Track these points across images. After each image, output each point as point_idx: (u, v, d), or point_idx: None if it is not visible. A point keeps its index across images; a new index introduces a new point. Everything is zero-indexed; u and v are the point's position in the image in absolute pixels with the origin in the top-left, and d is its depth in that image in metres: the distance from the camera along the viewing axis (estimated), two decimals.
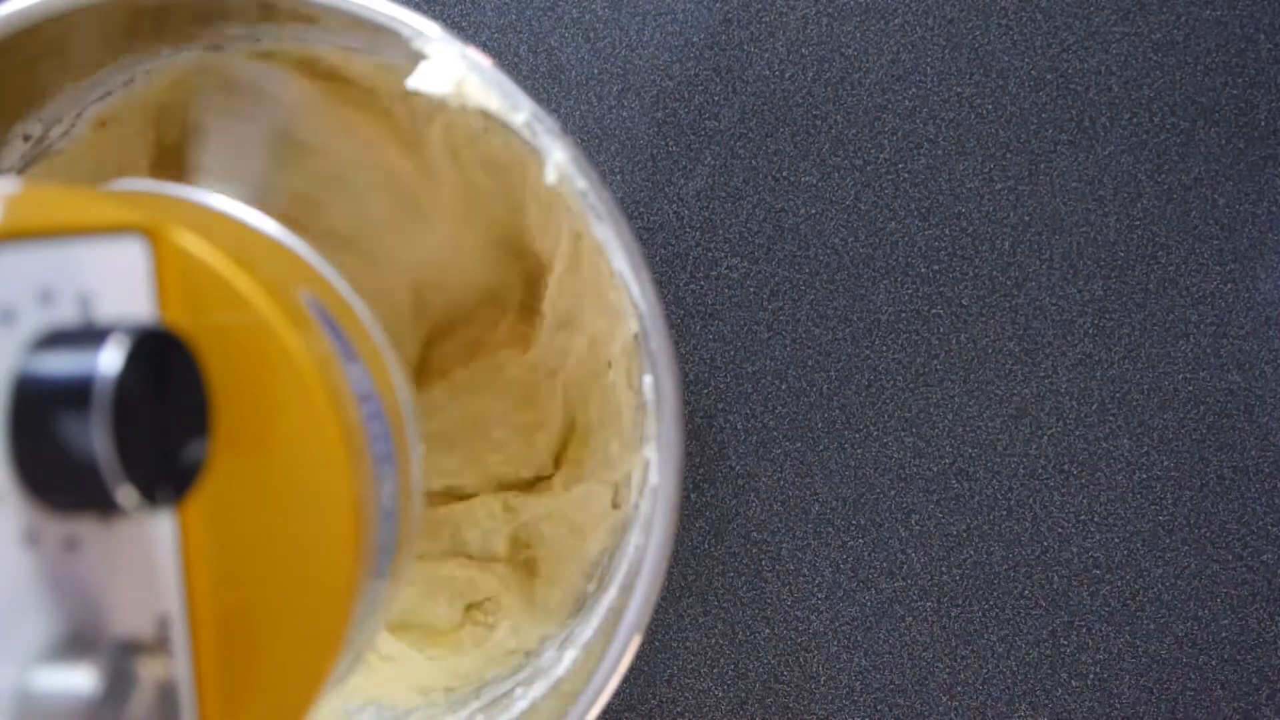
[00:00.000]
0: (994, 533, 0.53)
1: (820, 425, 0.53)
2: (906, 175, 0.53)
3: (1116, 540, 0.53)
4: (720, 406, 0.53)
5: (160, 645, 0.23)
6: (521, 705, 0.43)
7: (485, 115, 0.35)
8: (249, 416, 0.23)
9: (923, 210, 0.53)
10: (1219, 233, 0.53)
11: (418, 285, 0.47)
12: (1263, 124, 0.53)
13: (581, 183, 0.35)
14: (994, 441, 0.53)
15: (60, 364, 0.20)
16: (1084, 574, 0.53)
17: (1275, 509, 0.53)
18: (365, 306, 0.31)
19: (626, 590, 0.39)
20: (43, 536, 0.22)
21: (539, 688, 0.44)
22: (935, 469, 0.53)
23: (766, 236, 0.53)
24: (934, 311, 0.53)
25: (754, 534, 0.53)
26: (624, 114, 0.53)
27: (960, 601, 0.53)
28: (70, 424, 0.20)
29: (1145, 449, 0.53)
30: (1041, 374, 0.53)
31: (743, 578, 0.53)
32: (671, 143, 0.53)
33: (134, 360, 0.20)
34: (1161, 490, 0.53)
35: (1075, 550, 0.53)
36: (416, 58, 0.36)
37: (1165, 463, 0.53)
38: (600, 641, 0.39)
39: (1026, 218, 0.53)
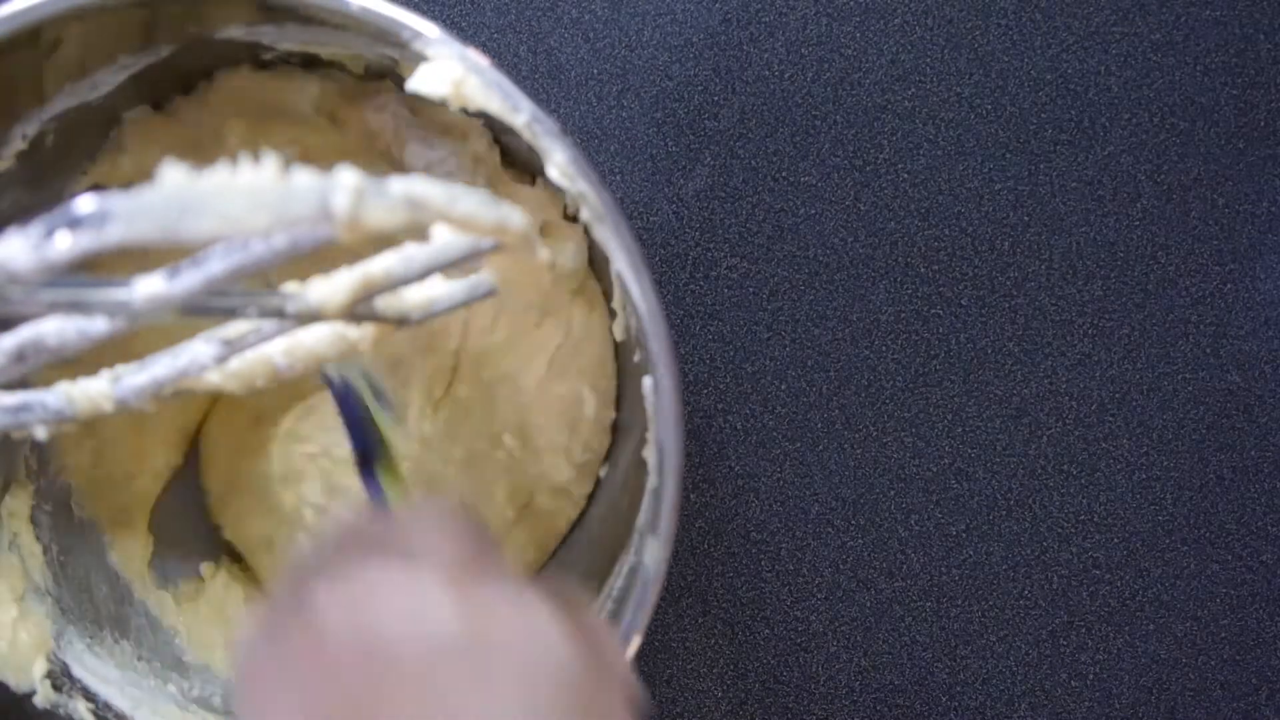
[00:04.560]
0: (994, 533, 0.53)
1: (820, 425, 0.53)
2: (906, 175, 0.53)
3: (1116, 540, 0.53)
4: (720, 406, 0.53)
5: None
6: None
7: None
8: None
9: (923, 210, 0.53)
10: (1219, 233, 0.53)
11: None
12: (1263, 124, 0.53)
13: (582, 184, 0.35)
14: (994, 441, 0.53)
15: None
16: (1084, 574, 0.53)
17: (1275, 509, 0.53)
18: None
19: (626, 591, 0.39)
20: None
21: None
22: (935, 469, 0.53)
23: (766, 236, 0.53)
24: (934, 311, 0.53)
25: (754, 534, 0.53)
26: (624, 114, 0.53)
27: (960, 601, 0.53)
28: None
29: (1145, 449, 0.53)
30: (1041, 374, 0.53)
31: (742, 578, 0.53)
32: (671, 143, 0.53)
33: None
34: (1161, 490, 0.53)
35: (1075, 550, 0.53)
36: (417, 59, 0.36)
37: (1165, 463, 0.53)
38: None
39: (1026, 218, 0.53)
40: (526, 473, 0.50)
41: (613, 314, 0.48)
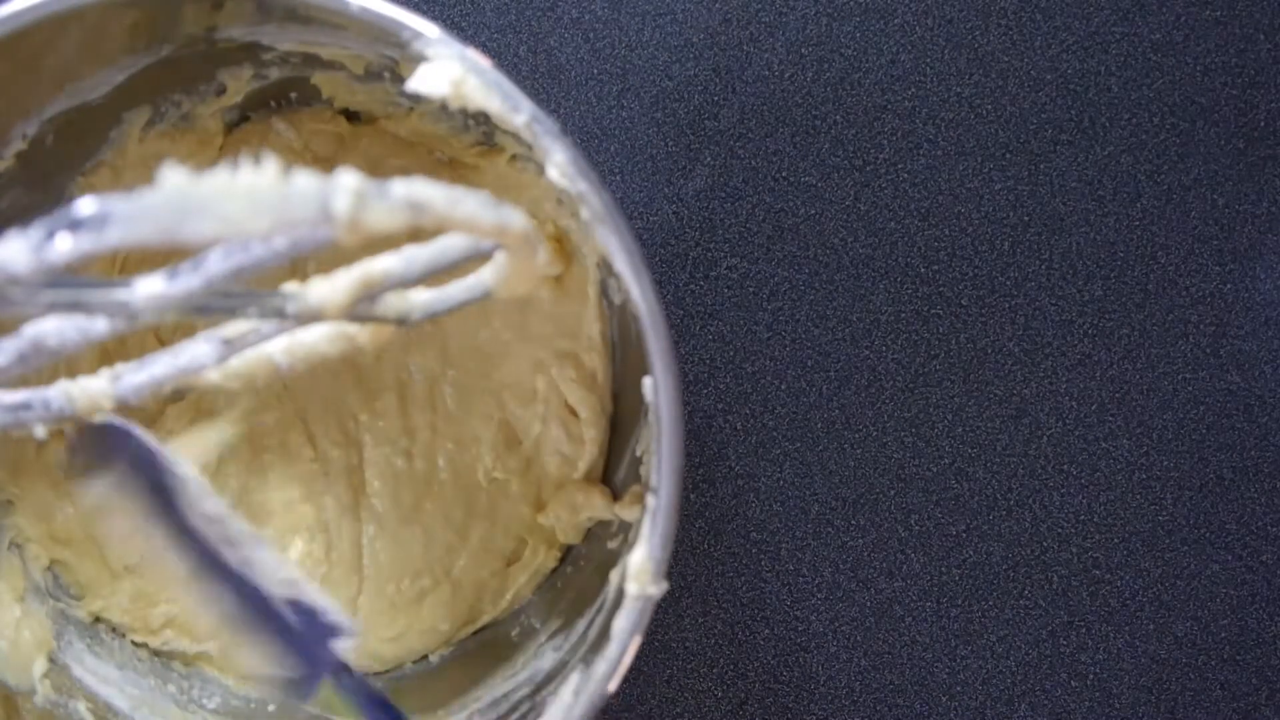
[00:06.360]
0: (994, 533, 0.53)
1: (820, 425, 0.53)
2: (906, 175, 0.53)
3: (1116, 540, 0.53)
4: (720, 406, 0.53)
5: None
6: (522, 707, 0.43)
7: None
8: None
9: (923, 210, 0.53)
10: (1219, 233, 0.53)
11: None
12: (1262, 124, 0.53)
13: (582, 184, 0.35)
14: (994, 441, 0.53)
15: None
16: (1084, 574, 0.53)
17: (1275, 509, 0.53)
18: None
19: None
20: None
21: (540, 689, 0.44)
22: (935, 469, 0.53)
23: (766, 236, 0.53)
24: (934, 311, 0.53)
25: (754, 534, 0.53)
26: (624, 114, 0.53)
27: (960, 601, 0.53)
28: None
29: (1145, 449, 0.53)
30: (1041, 374, 0.53)
31: (742, 578, 0.53)
32: (671, 143, 0.53)
33: None
34: (1161, 490, 0.53)
35: (1075, 550, 0.53)
36: (417, 59, 0.36)
37: (1165, 463, 0.53)
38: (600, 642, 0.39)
39: (1026, 218, 0.53)
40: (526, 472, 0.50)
41: (606, 299, 0.48)
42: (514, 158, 0.48)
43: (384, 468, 0.49)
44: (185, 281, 0.26)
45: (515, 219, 0.29)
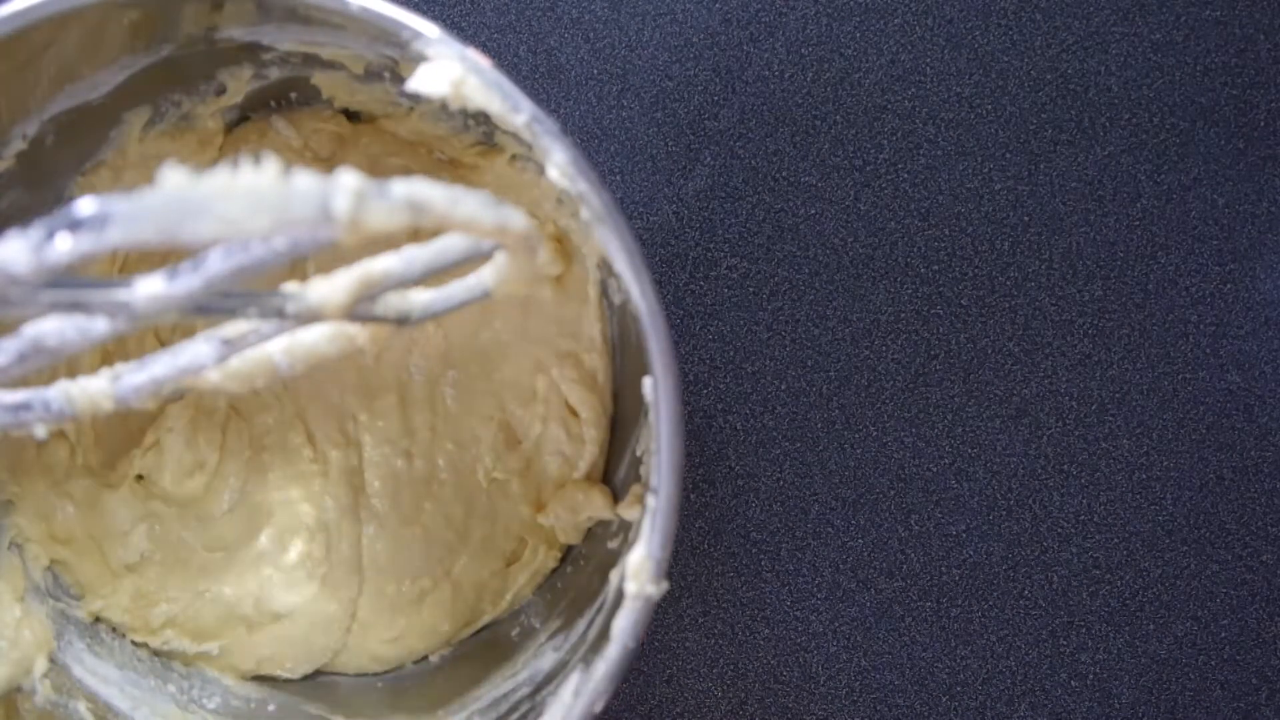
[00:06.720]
0: (994, 533, 0.53)
1: (820, 425, 0.53)
2: (906, 175, 0.53)
3: (1116, 540, 0.53)
4: (720, 406, 0.53)
5: None
6: (522, 707, 0.43)
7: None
8: None
9: (923, 210, 0.53)
10: (1219, 233, 0.53)
11: None
12: (1262, 124, 0.53)
13: (582, 184, 0.35)
14: (994, 441, 0.53)
15: None
16: (1084, 574, 0.53)
17: (1275, 509, 0.53)
18: None
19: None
20: None
21: (540, 689, 0.44)
22: (935, 469, 0.53)
23: (766, 236, 0.53)
24: (934, 311, 0.53)
25: (754, 534, 0.53)
26: (624, 114, 0.53)
27: (960, 601, 0.53)
28: None
29: (1145, 449, 0.53)
30: (1041, 374, 0.53)
31: (742, 578, 0.53)
32: (671, 143, 0.53)
33: None
34: (1161, 490, 0.53)
35: (1075, 550, 0.53)
36: (417, 58, 0.36)
37: (1165, 463, 0.53)
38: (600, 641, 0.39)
39: (1026, 218, 0.53)
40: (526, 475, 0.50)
41: (606, 299, 0.48)
42: (514, 158, 0.48)
43: (384, 468, 0.49)
44: (185, 281, 0.25)
45: (515, 219, 0.29)
